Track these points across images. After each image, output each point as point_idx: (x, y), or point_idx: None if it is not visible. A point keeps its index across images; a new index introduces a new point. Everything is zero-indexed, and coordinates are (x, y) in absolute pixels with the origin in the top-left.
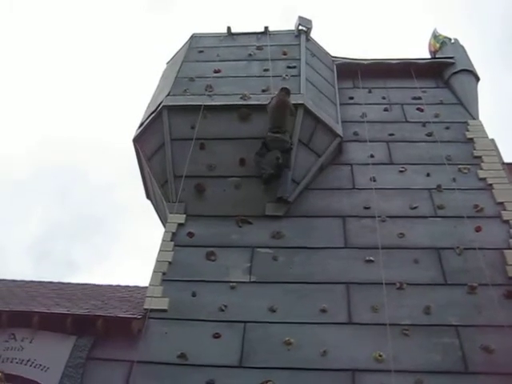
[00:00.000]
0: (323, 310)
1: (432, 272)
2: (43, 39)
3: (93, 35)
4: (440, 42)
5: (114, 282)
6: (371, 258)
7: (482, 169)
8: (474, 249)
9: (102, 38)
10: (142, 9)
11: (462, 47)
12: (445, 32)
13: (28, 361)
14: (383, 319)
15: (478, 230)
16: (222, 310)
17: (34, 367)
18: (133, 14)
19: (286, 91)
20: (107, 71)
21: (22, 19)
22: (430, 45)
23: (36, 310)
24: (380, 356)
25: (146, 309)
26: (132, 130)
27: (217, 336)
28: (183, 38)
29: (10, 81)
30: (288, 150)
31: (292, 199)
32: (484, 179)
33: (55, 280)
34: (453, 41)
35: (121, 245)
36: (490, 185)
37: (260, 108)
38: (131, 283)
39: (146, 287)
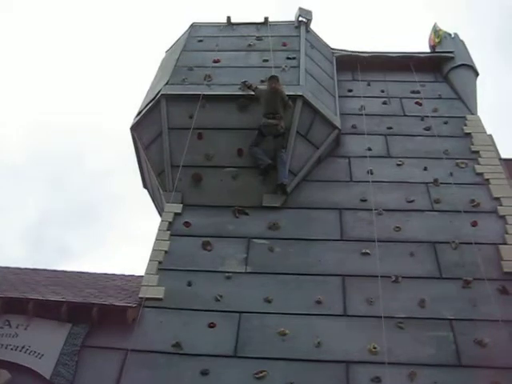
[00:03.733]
0: (318, 302)
1: (428, 266)
2: (44, 23)
3: (93, 20)
4: (440, 37)
5: (110, 271)
6: (367, 251)
7: (479, 164)
8: (470, 243)
9: (102, 24)
10: None
11: (462, 42)
12: (444, 26)
13: (23, 347)
14: (378, 312)
15: (474, 224)
16: (218, 300)
17: (29, 354)
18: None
19: (276, 78)
20: (106, 57)
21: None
22: (430, 39)
23: (31, 297)
24: (374, 348)
25: (141, 297)
26: (130, 115)
27: (212, 326)
28: (183, 27)
29: (9, 63)
30: (281, 135)
31: (289, 190)
32: (481, 174)
33: (50, 267)
34: (453, 35)
35: (116, 233)
36: (487, 180)
37: (258, 99)
38: (126, 272)
39: (142, 276)
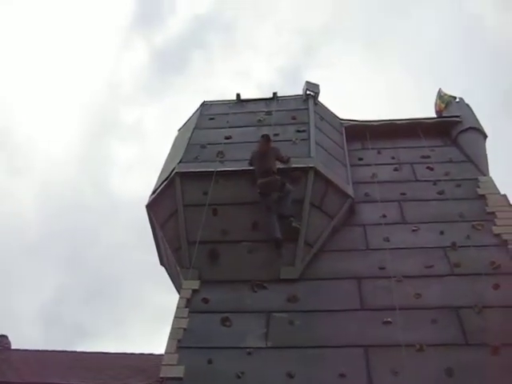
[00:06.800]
0: (342, 375)
1: (452, 332)
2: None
3: (105, 95)
4: (445, 102)
5: (128, 349)
6: (389, 320)
7: (495, 225)
8: (494, 307)
9: (114, 101)
10: (154, 76)
11: (468, 106)
12: (451, 90)
13: None
14: (404, 383)
15: (495, 287)
16: (239, 377)
17: None
18: (148, 81)
19: (266, 137)
20: (119, 136)
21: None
22: (435, 105)
23: (50, 382)
24: None
25: (161, 377)
26: (144, 192)
27: None
28: (194, 105)
29: (21, 140)
30: (282, 187)
31: (306, 262)
32: (499, 235)
33: (66, 346)
34: (458, 100)
35: (133, 310)
36: (505, 241)
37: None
38: (145, 349)
39: (161, 355)
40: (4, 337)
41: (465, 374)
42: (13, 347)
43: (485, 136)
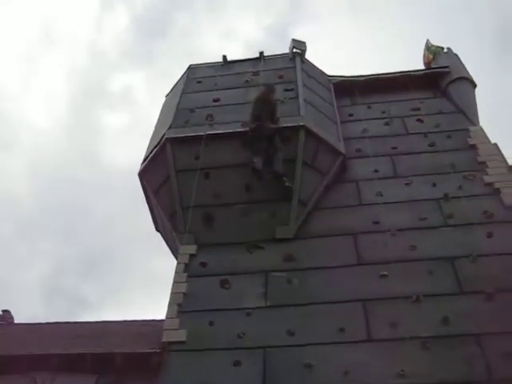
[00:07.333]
0: (341, 329)
1: (447, 282)
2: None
3: (89, 63)
4: (433, 53)
5: (129, 317)
6: (385, 273)
7: (487, 174)
8: (488, 255)
9: (99, 69)
10: (138, 41)
11: (456, 56)
12: (438, 41)
13: None
14: (402, 333)
15: (489, 235)
16: (241, 337)
17: None
18: (131, 46)
19: (270, 87)
20: (107, 104)
21: None
22: (424, 56)
23: (55, 352)
24: (402, 371)
25: (164, 342)
26: (136, 160)
27: (237, 364)
28: (182, 69)
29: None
30: (273, 135)
31: (300, 221)
32: (491, 184)
33: (68, 318)
34: (446, 50)
35: (132, 277)
36: (497, 189)
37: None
38: (146, 316)
39: (162, 320)
40: (7, 312)
41: (461, 322)
42: (15, 322)
43: (474, 85)
